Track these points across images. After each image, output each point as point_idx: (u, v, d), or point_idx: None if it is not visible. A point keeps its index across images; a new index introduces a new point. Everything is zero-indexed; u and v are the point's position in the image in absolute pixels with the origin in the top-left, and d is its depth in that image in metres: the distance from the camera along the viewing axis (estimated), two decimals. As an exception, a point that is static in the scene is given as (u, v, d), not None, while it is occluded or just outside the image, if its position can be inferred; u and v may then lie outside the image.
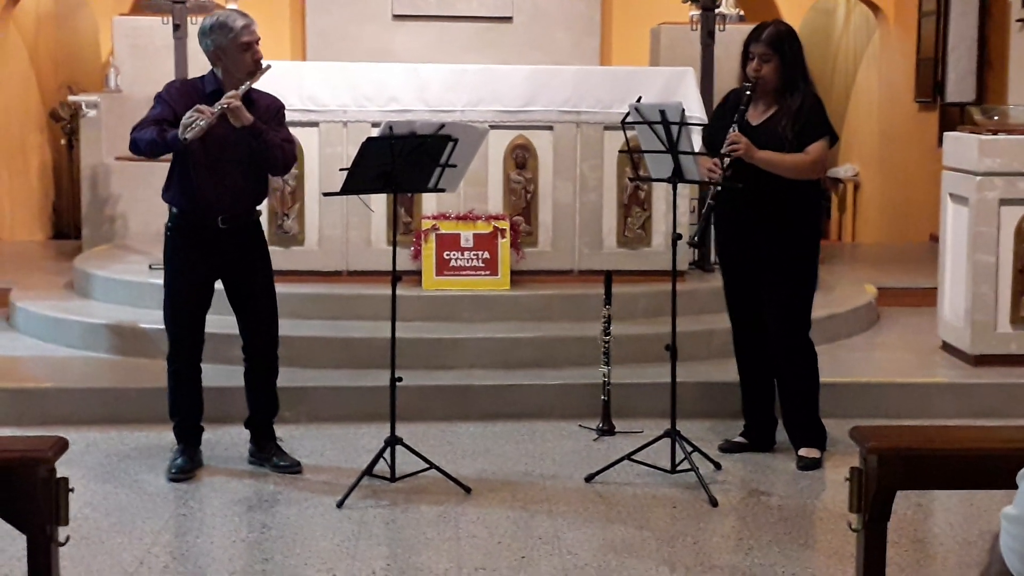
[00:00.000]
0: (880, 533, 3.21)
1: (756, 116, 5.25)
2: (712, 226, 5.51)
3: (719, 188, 5.11)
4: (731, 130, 5.15)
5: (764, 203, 5.18)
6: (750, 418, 5.52)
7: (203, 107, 4.80)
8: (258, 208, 5.21)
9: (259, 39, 5.03)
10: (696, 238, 5.45)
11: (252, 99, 4.97)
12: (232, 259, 5.10)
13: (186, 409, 5.21)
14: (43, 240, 10.86)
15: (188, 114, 4.78)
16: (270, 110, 5.08)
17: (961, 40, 9.88)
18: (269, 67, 5.01)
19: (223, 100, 4.83)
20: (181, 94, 5.00)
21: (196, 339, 5.17)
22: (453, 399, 6.02)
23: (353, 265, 6.99)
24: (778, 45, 5.17)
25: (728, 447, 5.50)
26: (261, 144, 4.96)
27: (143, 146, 4.93)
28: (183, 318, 5.14)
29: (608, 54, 10.33)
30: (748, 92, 5.19)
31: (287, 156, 5.11)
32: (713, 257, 7.29)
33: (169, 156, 5.06)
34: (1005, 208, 6.30)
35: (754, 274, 5.31)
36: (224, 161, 4.97)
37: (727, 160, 5.12)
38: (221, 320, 5.35)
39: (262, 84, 5.08)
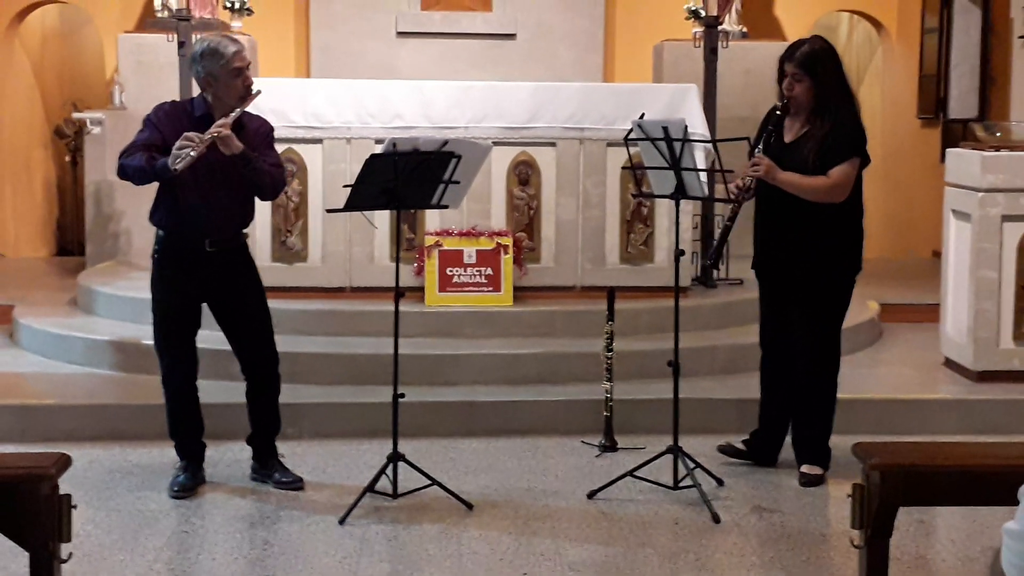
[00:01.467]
0: (882, 549, 3.22)
1: (792, 134, 5.21)
2: (728, 243, 5.46)
3: (737, 208, 5.10)
4: (756, 150, 5.14)
5: (800, 227, 5.14)
6: (763, 427, 5.48)
7: (193, 135, 4.77)
8: (244, 231, 5.20)
9: (249, 64, 5.04)
10: (712, 259, 5.44)
11: (242, 123, 4.96)
12: (220, 282, 5.09)
13: (185, 430, 5.21)
14: (47, 256, 10.88)
15: (178, 143, 4.75)
16: (259, 133, 5.08)
17: (964, 57, 9.89)
18: (259, 92, 5.01)
19: (213, 129, 4.81)
20: (170, 118, 4.98)
21: (189, 361, 5.16)
22: (456, 415, 6.02)
23: (356, 281, 7.00)
24: (810, 65, 5.09)
25: (728, 450, 5.50)
26: (251, 171, 4.96)
27: (131, 173, 4.91)
28: (174, 341, 5.12)
29: (611, 71, 10.35)
30: (778, 112, 5.16)
31: (276, 182, 5.12)
32: (717, 273, 7.31)
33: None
34: (1008, 224, 6.30)
35: (787, 294, 5.28)
36: (212, 185, 4.94)
37: (748, 180, 5.10)
38: (222, 336, 5.35)
39: (265, 99, 5.09)
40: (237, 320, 5.17)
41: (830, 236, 5.16)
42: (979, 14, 9.77)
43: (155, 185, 5.03)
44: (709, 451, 5.57)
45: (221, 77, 4.93)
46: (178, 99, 7.12)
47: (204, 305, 5.19)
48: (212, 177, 4.92)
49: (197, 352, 5.19)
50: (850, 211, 5.20)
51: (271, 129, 5.18)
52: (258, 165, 4.97)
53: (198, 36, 7.42)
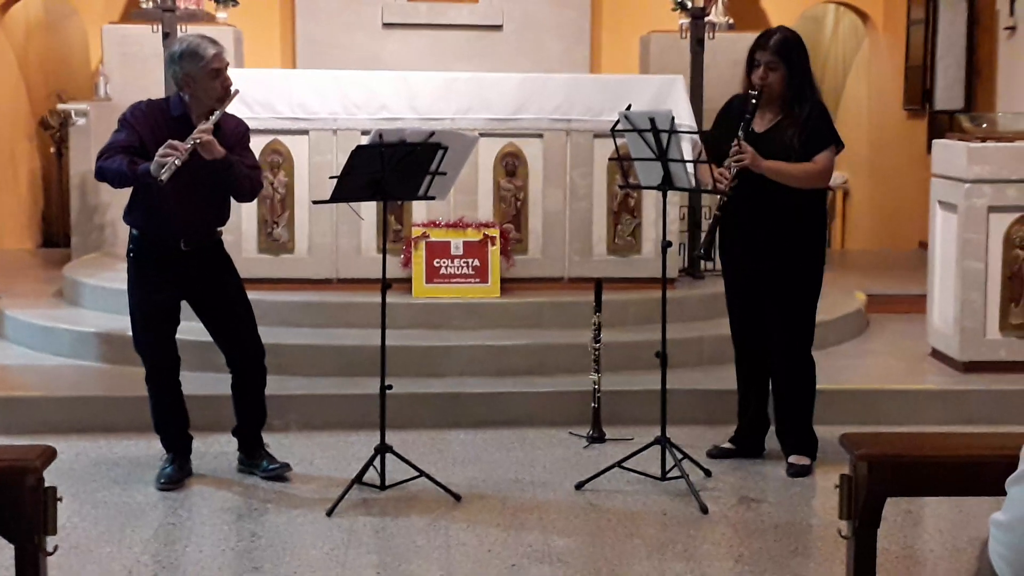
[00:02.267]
0: (870, 540, 3.21)
1: (762, 124, 5.22)
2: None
3: (726, 199, 5.09)
4: (736, 139, 5.12)
5: (770, 213, 5.16)
6: (743, 422, 5.51)
7: (176, 144, 4.73)
8: (219, 229, 5.18)
9: (228, 65, 5.02)
10: (702, 250, 5.44)
11: (218, 123, 4.93)
12: (197, 278, 5.07)
13: (170, 425, 5.20)
14: (32, 248, 10.83)
15: (161, 151, 4.70)
16: (236, 133, 5.05)
17: (950, 48, 9.91)
18: (237, 92, 5.00)
19: (195, 134, 4.78)
20: (147, 118, 4.95)
21: (171, 358, 5.15)
22: (443, 407, 6.02)
23: (343, 273, 6.98)
24: (785, 53, 5.12)
25: (716, 453, 5.50)
26: (231, 176, 4.95)
27: (110, 176, 4.89)
28: (154, 340, 5.10)
29: (598, 62, 10.34)
30: (754, 100, 5.13)
31: (254, 185, 5.11)
32: (704, 264, 7.31)
33: None
34: (994, 215, 6.32)
35: (758, 282, 5.29)
36: (189, 187, 4.89)
37: (734, 170, 5.10)
38: (204, 328, 5.32)
39: (251, 90, 5.07)
40: (218, 315, 5.16)
41: (799, 222, 5.19)
42: (965, 6, 9.79)
43: None
44: (696, 442, 5.58)
45: (200, 79, 4.91)
46: (163, 91, 7.11)
47: (183, 302, 5.16)
48: (188, 177, 4.85)
49: (178, 348, 5.17)
50: (817, 196, 5.25)
51: (247, 129, 5.16)
52: (238, 170, 4.96)
53: (183, 27, 7.43)
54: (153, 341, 5.10)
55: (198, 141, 4.76)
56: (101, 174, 4.92)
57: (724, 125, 5.29)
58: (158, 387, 5.16)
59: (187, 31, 7.46)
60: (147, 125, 4.91)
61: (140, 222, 5.04)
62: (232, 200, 5.18)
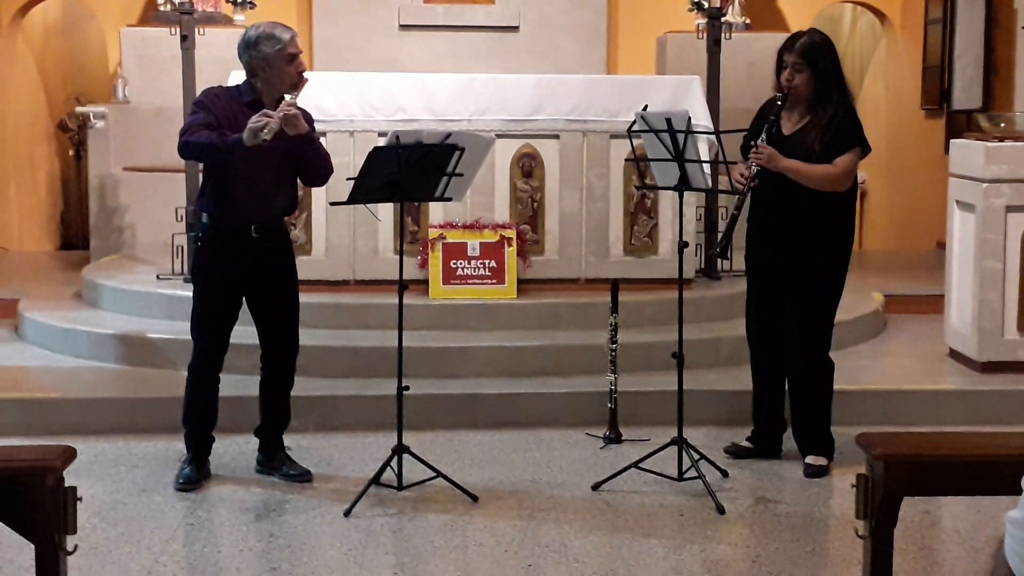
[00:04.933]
0: (887, 540, 3.21)
1: (790, 126, 5.24)
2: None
3: (744, 197, 5.11)
4: (760, 139, 5.15)
5: (795, 214, 5.17)
6: (759, 422, 5.51)
7: (268, 111, 4.78)
8: (287, 219, 5.22)
9: (302, 52, 5.06)
10: (720, 248, 5.45)
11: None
12: (261, 268, 5.08)
13: (200, 418, 5.21)
14: (51, 251, 10.89)
15: (254, 119, 4.74)
16: (309, 120, 5.09)
17: (967, 47, 9.88)
18: (307, 80, 5.04)
19: (284, 106, 4.81)
20: (221, 100, 4.99)
21: (221, 350, 5.17)
22: (460, 408, 6.03)
23: (360, 274, 7.00)
24: (810, 56, 5.13)
25: (734, 451, 5.50)
26: (313, 152, 5.01)
27: (196, 150, 4.90)
28: (212, 329, 5.13)
29: (614, 63, 10.34)
30: (779, 102, 5.17)
31: (329, 166, 5.17)
32: (721, 265, 7.31)
33: (182, 165, 5.04)
34: (1012, 215, 6.30)
35: (778, 282, 5.29)
36: (259, 171, 4.95)
37: (754, 169, 5.11)
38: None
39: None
40: (273, 307, 5.17)
41: (825, 223, 5.19)
42: (983, 5, 9.75)
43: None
44: (713, 442, 5.58)
45: (275, 62, 4.94)
46: (181, 94, 7.14)
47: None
48: (259, 163, 4.92)
49: (228, 347, 5.19)
50: (846, 198, 5.23)
51: (312, 118, 5.19)
52: (319, 146, 5.03)
53: (201, 30, 7.46)
54: (210, 329, 5.12)
55: (289, 111, 4.78)
56: (187, 148, 4.91)
57: (756, 127, 5.31)
58: (199, 377, 5.17)
59: (205, 34, 7.51)
60: (221, 108, 4.95)
61: (212, 207, 5.06)
62: (299, 189, 5.20)
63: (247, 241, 5.03)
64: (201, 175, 5.07)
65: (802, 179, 5.13)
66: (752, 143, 5.18)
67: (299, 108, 4.94)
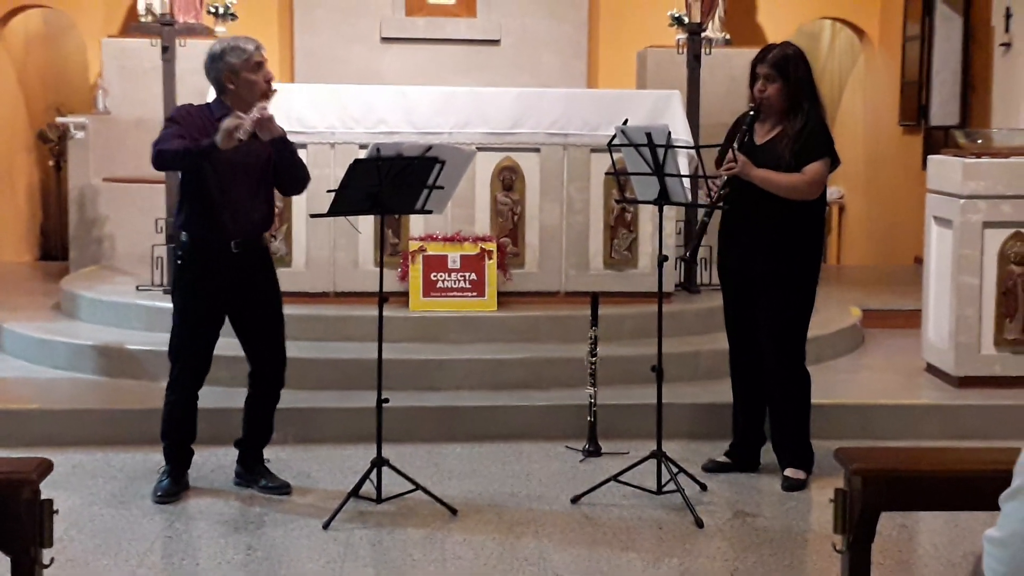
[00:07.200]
0: (865, 554, 3.22)
1: (762, 136, 5.30)
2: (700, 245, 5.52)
3: (715, 206, 5.15)
4: (731, 149, 5.19)
5: (766, 225, 5.21)
6: (738, 435, 5.53)
7: (239, 114, 4.77)
8: (267, 234, 5.20)
9: (267, 60, 5.06)
10: (689, 254, 5.47)
11: None
12: (242, 286, 5.06)
13: (178, 433, 5.18)
14: (30, 261, 10.84)
15: (226, 122, 4.72)
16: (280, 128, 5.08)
17: (945, 64, 9.95)
18: (276, 91, 5.03)
19: (256, 109, 4.80)
20: (193, 117, 4.98)
21: (203, 369, 5.15)
22: (439, 420, 6.03)
23: (340, 286, 7.00)
24: (782, 67, 5.19)
25: (712, 467, 5.51)
26: (289, 156, 5.00)
27: (170, 157, 4.87)
28: (194, 348, 5.10)
29: (595, 77, 10.38)
30: (751, 113, 5.24)
31: (307, 173, 5.16)
32: (699, 278, 7.34)
33: (162, 176, 5.02)
34: (989, 231, 6.34)
35: (752, 294, 5.32)
36: (236, 184, 4.94)
37: (724, 178, 5.16)
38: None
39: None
40: (257, 323, 5.15)
41: (795, 234, 5.22)
42: (960, 22, 9.83)
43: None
44: (692, 456, 5.59)
45: (243, 72, 4.93)
46: (162, 105, 7.13)
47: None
48: (235, 176, 4.92)
49: (210, 367, 5.17)
50: (815, 208, 5.27)
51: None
52: (295, 149, 5.00)
53: (182, 41, 7.45)
54: (189, 350, 5.09)
55: (260, 115, 4.77)
56: (161, 157, 4.88)
57: (730, 139, 5.36)
58: (178, 394, 5.14)
59: (186, 45, 7.50)
60: (194, 124, 4.93)
61: (191, 224, 5.04)
62: (275, 203, 5.18)
63: (227, 258, 5.01)
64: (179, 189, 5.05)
65: (772, 188, 5.17)
66: (727, 152, 5.23)
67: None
